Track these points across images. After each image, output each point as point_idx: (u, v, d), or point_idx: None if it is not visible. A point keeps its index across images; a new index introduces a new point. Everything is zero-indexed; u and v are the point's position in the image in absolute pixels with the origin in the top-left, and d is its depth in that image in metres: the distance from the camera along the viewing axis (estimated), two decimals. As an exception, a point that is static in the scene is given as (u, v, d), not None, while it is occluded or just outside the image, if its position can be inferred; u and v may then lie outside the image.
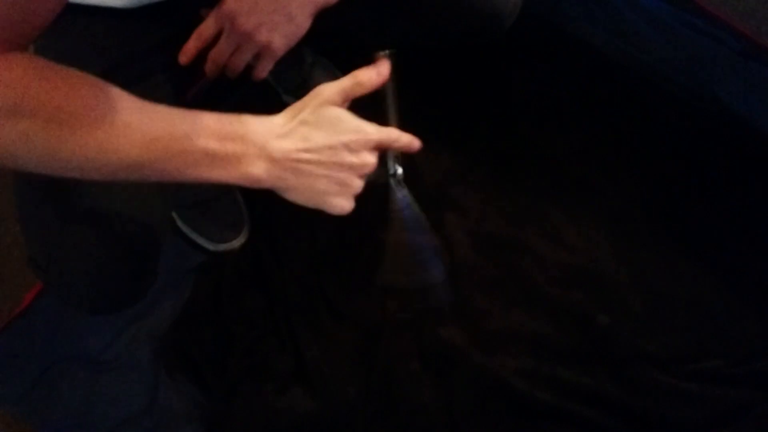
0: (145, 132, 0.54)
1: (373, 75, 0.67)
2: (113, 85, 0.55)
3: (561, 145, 1.14)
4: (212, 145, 0.56)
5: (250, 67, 0.78)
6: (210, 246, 1.09)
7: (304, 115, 0.61)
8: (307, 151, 0.60)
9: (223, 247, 1.08)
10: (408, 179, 1.10)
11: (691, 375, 0.94)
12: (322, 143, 0.60)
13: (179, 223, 1.09)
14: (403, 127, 0.72)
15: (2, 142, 0.50)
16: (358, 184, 0.64)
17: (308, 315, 1.02)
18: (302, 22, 0.75)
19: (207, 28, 0.74)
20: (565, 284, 1.02)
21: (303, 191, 0.62)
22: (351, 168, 0.62)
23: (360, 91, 0.66)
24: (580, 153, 1.12)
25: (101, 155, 0.53)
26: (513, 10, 0.88)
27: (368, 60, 0.69)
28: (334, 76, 1.19)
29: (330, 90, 0.64)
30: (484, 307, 1.01)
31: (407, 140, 0.70)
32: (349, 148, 0.62)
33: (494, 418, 0.95)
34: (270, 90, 1.20)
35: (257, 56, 0.77)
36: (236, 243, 1.08)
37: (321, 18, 0.78)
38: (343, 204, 0.64)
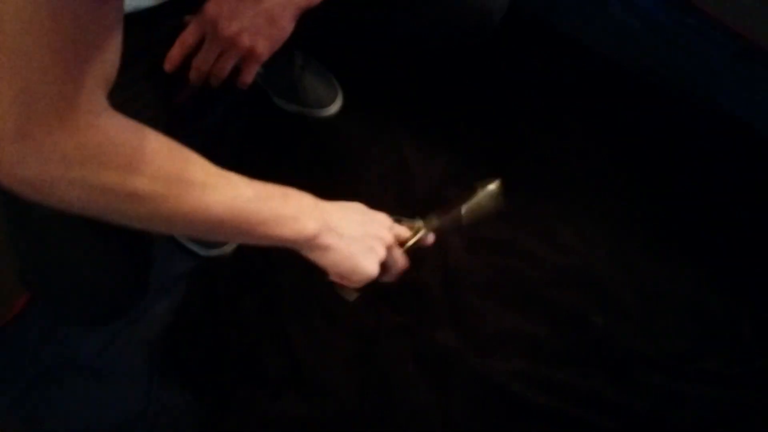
0: (227, 193, 0.60)
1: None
2: (195, 152, 0.59)
3: (556, 146, 1.14)
4: (278, 204, 0.64)
5: (235, 73, 0.77)
6: (201, 251, 1.08)
7: (343, 204, 0.73)
8: (348, 220, 0.70)
9: (214, 252, 1.08)
10: (402, 180, 1.09)
11: (688, 376, 0.94)
12: (358, 218, 0.72)
13: (171, 227, 1.09)
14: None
15: (107, 198, 0.53)
16: (383, 252, 0.73)
17: (303, 319, 1.02)
18: (285, 26, 0.74)
19: (190, 34, 0.74)
20: (560, 285, 1.02)
21: (343, 252, 0.69)
22: (379, 238, 0.73)
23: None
24: (574, 154, 1.13)
25: (191, 213, 0.58)
26: (502, 6, 0.88)
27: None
28: (324, 78, 1.18)
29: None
30: (479, 310, 1.00)
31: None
32: (376, 225, 0.74)
33: (490, 420, 0.94)
34: (261, 93, 1.19)
35: (242, 62, 0.76)
36: (227, 248, 1.08)
37: (310, 20, 0.77)
38: (373, 266, 0.72)
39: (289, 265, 1.06)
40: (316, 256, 0.69)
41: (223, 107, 1.18)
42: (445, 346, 0.98)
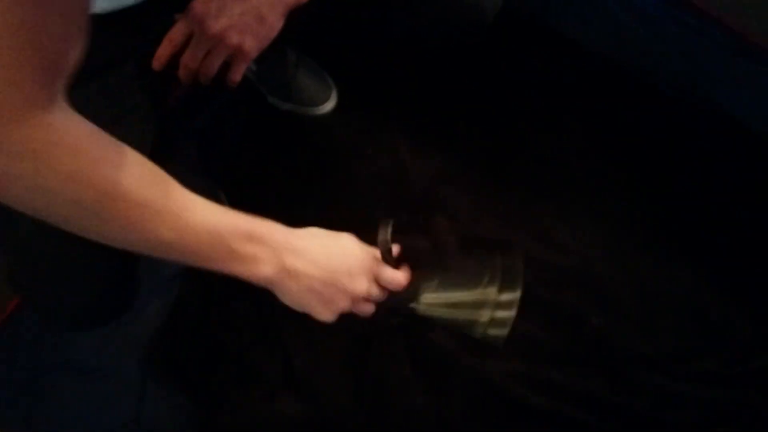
0: (182, 219, 0.57)
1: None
2: (163, 172, 0.58)
3: (554, 146, 1.13)
4: (236, 243, 0.61)
5: (225, 72, 0.76)
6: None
7: (324, 239, 0.68)
8: (313, 273, 0.65)
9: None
10: (398, 180, 1.09)
11: (685, 376, 0.94)
12: (328, 269, 0.66)
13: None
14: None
15: (49, 201, 0.52)
16: (346, 306, 0.69)
17: (297, 321, 1.00)
18: (274, 23, 0.74)
19: (177, 32, 0.73)
20: (558, 286, 1.01)
21: (298, 300, 0.67)
22: (345, 293, 0.68)
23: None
24: (573, 153, 1.12)
25: (136, 233, 0.56)
26: (496, 4, 0.88)
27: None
28: (319, 76, 1.18)
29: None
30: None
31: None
32: (350, 275, 0.68)
33: (487, 422, 0.94)
34: (255, 92, 1.18)
35: (230, 60, 0.75)
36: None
37: (304, 18, 0.76)
38: (326, 316, 0.69)
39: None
40: (276, 292, 0.67)
41: (216, 106, 1.17)
42: (440, 347, 0.97)
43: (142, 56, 0.72)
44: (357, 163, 1.13)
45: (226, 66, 0.76)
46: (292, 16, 0.75)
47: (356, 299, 0.69)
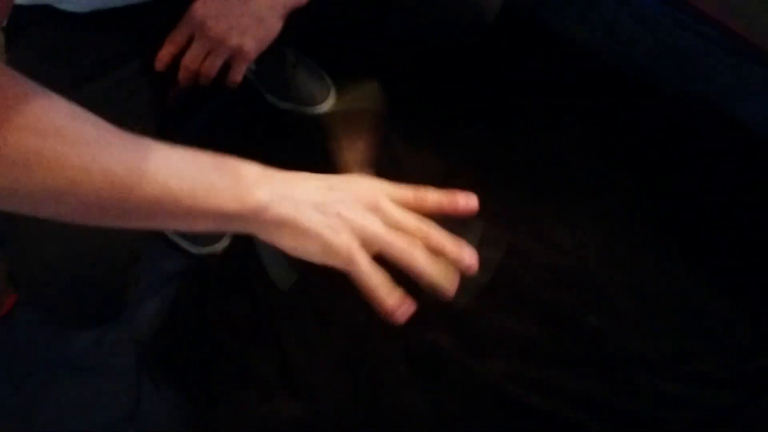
0: (135, 153, 0.47)
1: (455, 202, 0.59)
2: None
3: (551, 146, 1.13)
4: (214, 174, 0.50)
5: (225, 73, 0.77)
6: (193, 249, 1.07)
7: (334, 182, 0.57)
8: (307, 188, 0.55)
9: (206, 250, 1.07)
10: (396, 179, 1.08)
11: (682, 377, 0.93)
12: (324, 186, 0.56)
13: (162, 225, 1.08)
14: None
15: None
16: (347, 238, 0.54)
17: (293, 320, 1.01)
18: (273, 25, 0.74)
19: (178, 34, 0.74)
20: (555, 286, 1.01)
21: (299, 226, 0.53)
22: (346, 217, 0.54)
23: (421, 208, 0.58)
24: (570, 153, 1.12)
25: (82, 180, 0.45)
26: (494, 7, 0.88)
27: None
28: (317, 76, 1.18)
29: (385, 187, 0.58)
30: (472, 310, 1.00)
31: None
32: (354, 200, 0.55)
33: (483, 421, 0.94)
34: (254, 91, 1.18)
35: (230, 61, 0.76)
36: (219, 246, 1.07)
37: (303, 19, 0.77)
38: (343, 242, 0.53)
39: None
40: (272, 237, 0.53)
41: (214, 105, 1.17)
42: (437, 346, 0.97)
43: (146, 55, 0.73)
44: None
45: (226, 67, 0.77)
46: (292, 17, 0.75)
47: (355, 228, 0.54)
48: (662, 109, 1.14)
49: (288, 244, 0.53)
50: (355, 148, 0.69)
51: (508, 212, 1.07)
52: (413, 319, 1.00)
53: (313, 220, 0.53)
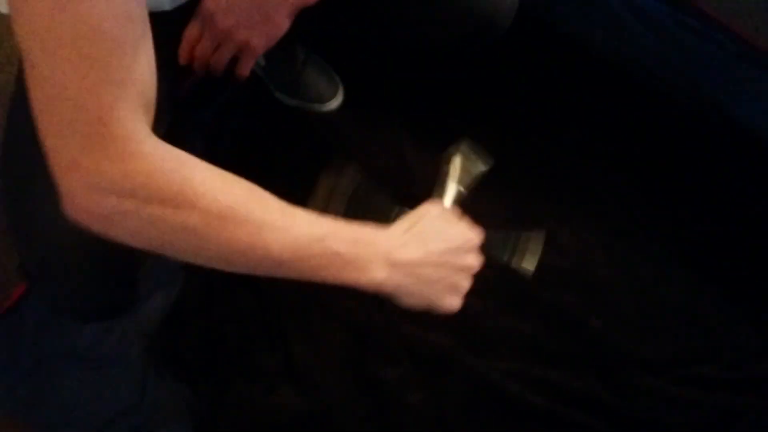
0: (289, 232, 0.57)
1: None
2: (259, 187, 0.58)
3: (554, 148, 1.14)
4: (344, 248, 0.59)
5: (234, 65, 0.79)
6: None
7: (419, 227, 0.66)
8: (425, 259, 0.64)
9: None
10: (401, 177, 1.09)
11: (683, 380, 0.94)
12: (437, 251, 0.64)
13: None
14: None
15: (160, 230, 0.53)
16: (467, 284, 0.68)
17: (299, 315, 1.02)
18: (280, 22, 0.76)
19: (193, 28, 0.76)
20: (557, 287, 1.02)
21: (419, 295, 0.65)
22: (462, 270, 0.67)
23: None
24: (573, 155, 1.12)
25: (249, 251, 0.55)
26: (509, 12, 0.88)
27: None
28: (326, 73, 1.18)
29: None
30: (475, 309, 1.00)
31: None
32: (460, 252, 0.67)
33: (485, 420, 0.94)
34: (262, 88, 1.19)
35: (239, 55, 0.77)
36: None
37: (314, 19, 0.78)
38: (454, 302, 0.67)
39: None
40: (394, 296, 0.64)
41: (223, 100, 1.17)
42: (439, 345, 0.98)
43: (158, 47, 0.73)
44: (361, 160, 1.14)
45: (235, 60, 0.78)
46: (302, 15, 0.76)
47: (471, 273, 0.68)
48: (665, 111, 1.14)
49: (410, 302, 0.65)
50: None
51: (513, 213, 1.08)
52: (416, 318, 1.01)
53: (426, 291, 0.65)
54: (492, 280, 1.02)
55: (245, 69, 0.79)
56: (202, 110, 1.16)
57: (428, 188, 1.10)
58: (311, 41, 1.13)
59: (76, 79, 0.46)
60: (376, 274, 0.61)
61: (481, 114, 1.17)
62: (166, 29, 0.74)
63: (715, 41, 1.10)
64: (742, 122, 1.09)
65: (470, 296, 1.00)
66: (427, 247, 0.64)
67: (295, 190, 1.12)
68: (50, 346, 1.02)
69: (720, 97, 1.10)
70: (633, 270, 1.03)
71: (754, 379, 0.94)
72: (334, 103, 1.19)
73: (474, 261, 0.68)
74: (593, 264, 1.03)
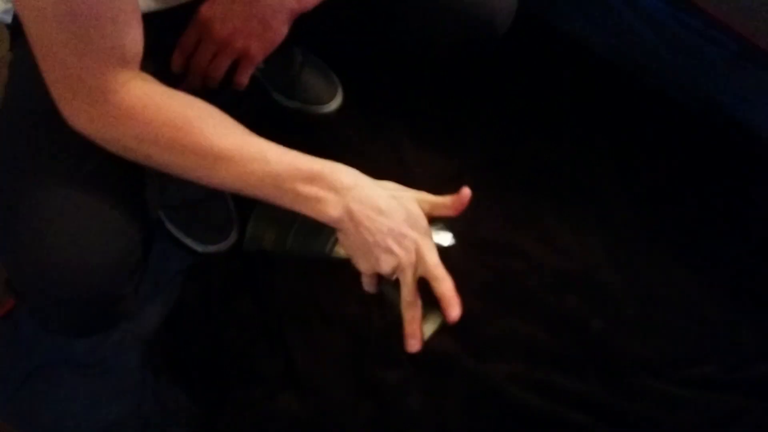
0: (244, 167, 0.64)
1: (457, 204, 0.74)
2: (226, 116, 0.67)
3: (555, 149, 1.13)
4: (300, 188, 0.64)
5: (232, 74, 0.78)
6: (198, 247, 1.07)
7: (399, 194, 0.69)
8: (376, 218, 0.66)
9: (211, 248, 1.07)
10: (401, 179, 1.08)
11: (685, 381, 0.94)
12: (390, 224, 0.67)
13: (167, 223, 1.08)
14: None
15: (135, 154, 0.65)
16: (405, 254, 0.68)
17: (299, 320, 1.01)
18: (278, 29, 0.75)
19: (188, 36, 0.76)
20: (558, 289, 1.01)
21: (353, 245, 0.68)
22: (404, 237, 0.67)
23: (442, 212, 0.73)
24: (574, 156, 1.12)
25: (207, 177, 0.65)
26: (506, 18, 0.88)
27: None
28: (325, 75, 1.18)
29: (425, 197, 0.73)
30: (476, 312, 1.00)
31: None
32: (408, 240, 0.67)
33: (486, 424, 0.94)
34: (260, 89, 1.18)
35: (237, 63, 0.77)
36: (224, 245, 1.07)
37: (311, 24, 0.77)
38: (383, 267, 0.68)
39: (287, 264, 1.05)
40: (340, 233, 0.69)
41: (220, 103, 1.17)
42: (441, 348, 0.97)
43: (153, 54, 0.73)
44: (360, 162, 1.13)
45: (233, 68, 0.77)
46: (300, 19, 0.76)
47: (411, 247, 0.68)
48: (667, 111, 1.14)
49: (345, 243, 0.69)
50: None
51: (512, 214, 1.08)
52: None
53: (363, 246, 0.67)
54: (492, 282, 1.02)
55: (244, 77, 0.79)
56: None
57: (428, 189, 1.10)
58: (309, 44, 1.13)
59: (59, 46, 0.58)
60: (331, 212, 0.65)
61: (483, 114, 1.17)
62: (159, 37, 0.74)
63: (715, 41, 1.09)
64: (744, 122, 1.09)
65: (470, 299, 1.00)
66: (387, 214, 0.67)
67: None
68: (47, 353, 1.02)
69: (722, 96, 1.10)
70: (635, 271, 1.02)
71: (755, 380, 0.93)
72: (333, 105, 1.18)
73: (420, 240, 0.68)
74: (595, 265, 1.03)
